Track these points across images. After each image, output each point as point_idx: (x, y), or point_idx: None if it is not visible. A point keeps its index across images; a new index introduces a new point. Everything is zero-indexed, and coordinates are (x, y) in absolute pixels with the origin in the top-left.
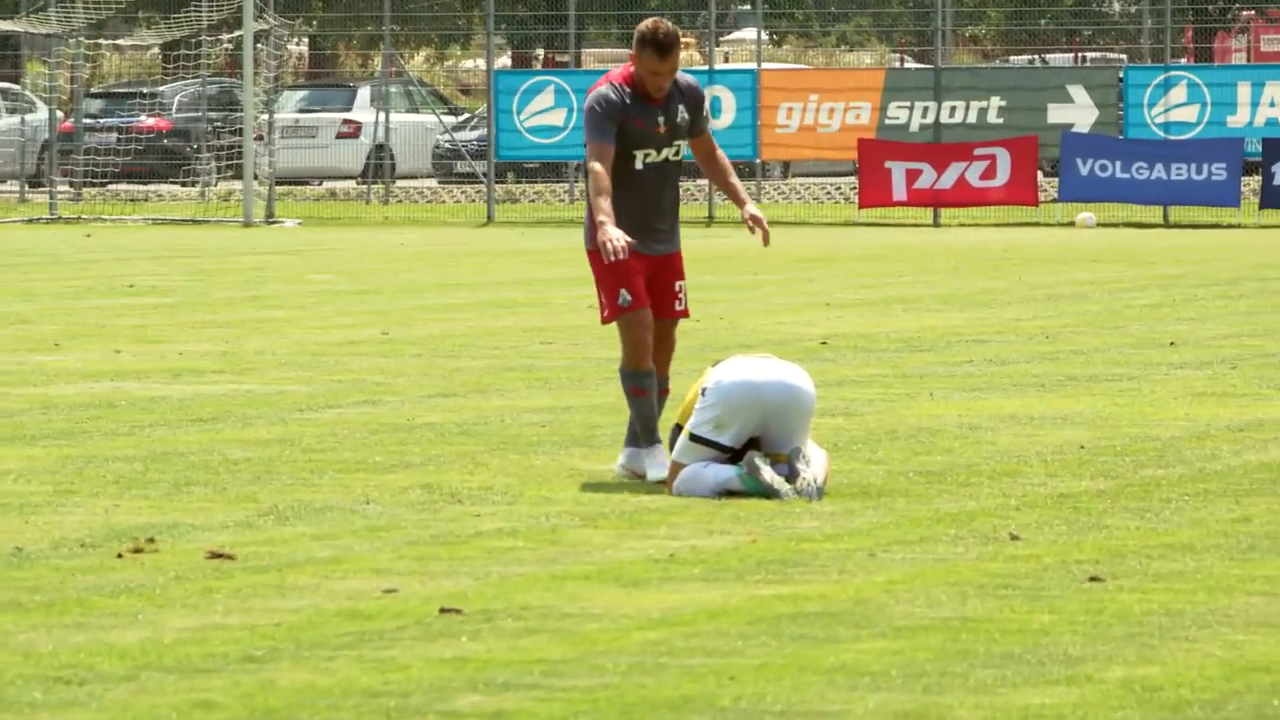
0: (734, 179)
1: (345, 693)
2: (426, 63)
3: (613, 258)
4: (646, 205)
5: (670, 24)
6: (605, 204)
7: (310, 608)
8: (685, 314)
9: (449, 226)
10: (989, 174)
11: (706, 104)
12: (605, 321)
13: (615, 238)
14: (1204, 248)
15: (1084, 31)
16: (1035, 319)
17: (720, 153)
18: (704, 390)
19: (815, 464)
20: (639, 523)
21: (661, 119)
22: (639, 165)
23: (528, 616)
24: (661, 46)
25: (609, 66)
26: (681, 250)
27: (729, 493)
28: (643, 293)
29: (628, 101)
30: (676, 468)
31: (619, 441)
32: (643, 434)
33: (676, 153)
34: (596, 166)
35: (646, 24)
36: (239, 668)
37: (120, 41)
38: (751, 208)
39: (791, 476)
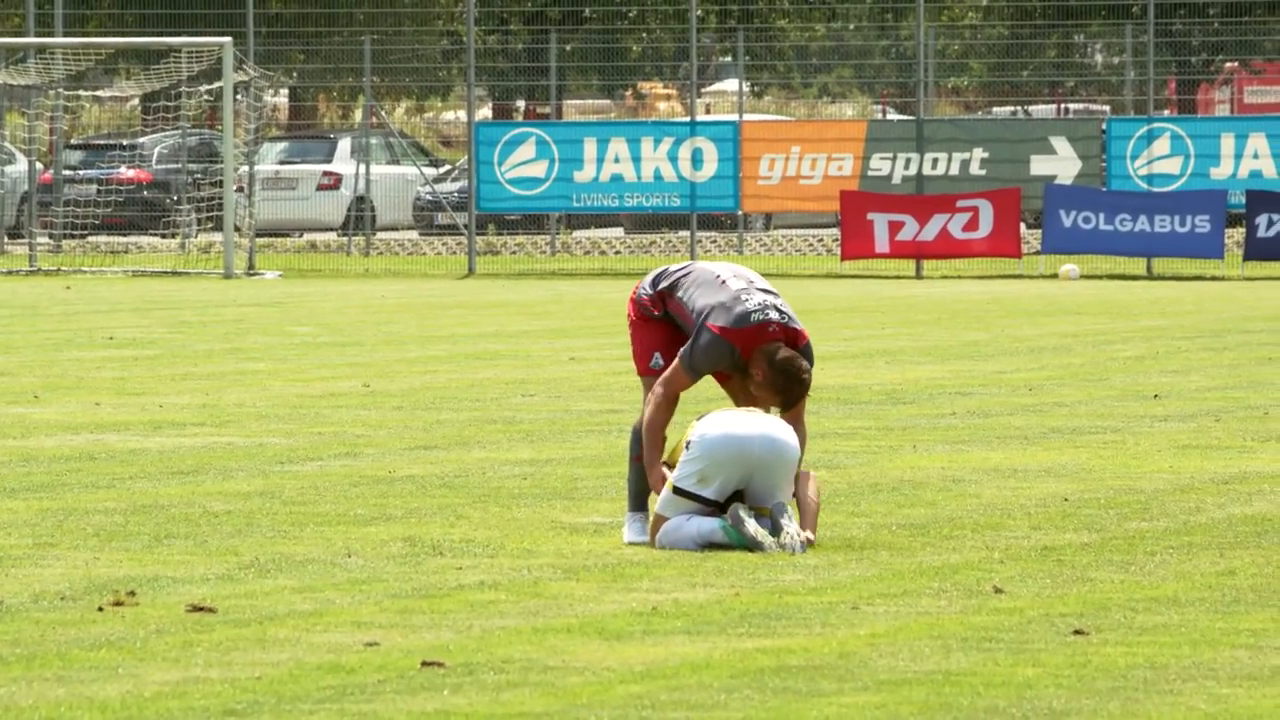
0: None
1: None
2: (407, 114)
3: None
4: None
5: (808, 374)
6: (660, 460)
7: (291, 661)
8: None
9: (430, 278)
10: (972, 226)
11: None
12: (641, 373)
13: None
14: (1188, 300)
15: (1067, 83)
16: (1018, 371)
17: (802, 427)
18: (688, 443)
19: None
20: (621, 575)
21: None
22: None
23: (510, 669)
24: (787, 403)
25: (590, 118)
26: None
27: (712, 545)
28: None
29: (727, 365)
30: (660, 520)
31: (600, 494)
32: (632, 499)
33: None
34: (664, 397)
35: (788, 364)
36: None
37: (100, 93)
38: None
39: (775, 530)
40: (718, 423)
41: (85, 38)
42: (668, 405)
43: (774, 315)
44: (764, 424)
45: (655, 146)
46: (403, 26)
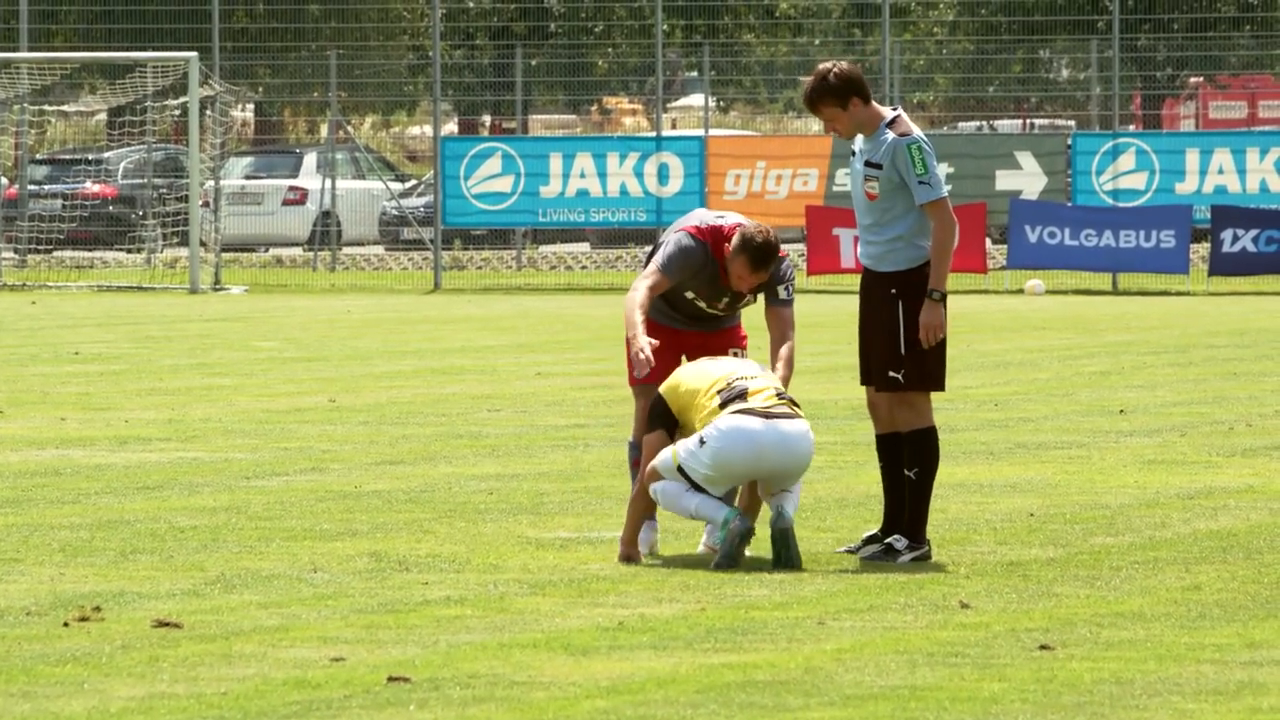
0: (784, 352)
1: None
2: (373, 129)
3: (643, 370)
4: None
5: (774, 237)
6: (639, 317)
7: (257, 676)
8: None
9: (396, 293)
10: None
11: (787, 284)
12: (632, 384)
13: (643, 347)
14: (1153, 315)
15: (1032, 98)
16: (984, 386)
17: (788, 328)
18: (702, 440)
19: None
20: (587, 591)
21: (725, 300)
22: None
23: (476, 685)
24: (756, 260)
25: (556, 133)
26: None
27: (699, 519)
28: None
29: (704, 273)
30: (654, 474)
31: (566, 509)
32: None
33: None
34: (645, 287)
35: (749, 231)
36: None
37: (65, 108)
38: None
39: (779, 518)
40: (733, 427)
41: (51, 53)
42: (648, 293)
43: (729, 221)
44: (778, 426)
45: (621, 162)
46: (368, 41)
